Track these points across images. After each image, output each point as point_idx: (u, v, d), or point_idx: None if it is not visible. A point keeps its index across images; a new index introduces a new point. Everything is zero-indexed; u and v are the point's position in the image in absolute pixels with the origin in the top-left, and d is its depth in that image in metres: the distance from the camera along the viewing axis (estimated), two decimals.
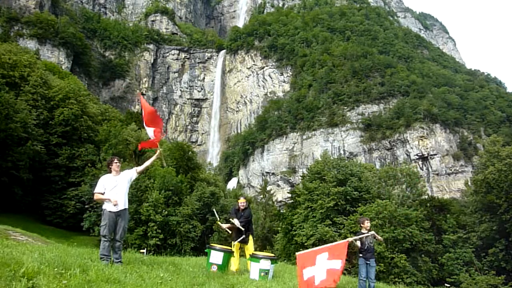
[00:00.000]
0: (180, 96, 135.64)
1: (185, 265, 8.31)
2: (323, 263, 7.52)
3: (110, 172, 7.14)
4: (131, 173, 7.34)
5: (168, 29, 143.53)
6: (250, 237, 9.17)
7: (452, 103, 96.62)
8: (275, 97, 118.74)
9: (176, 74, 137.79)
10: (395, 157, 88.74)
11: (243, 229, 8.87)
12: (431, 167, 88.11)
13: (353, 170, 31.46)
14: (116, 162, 7.17)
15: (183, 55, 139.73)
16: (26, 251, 6.40)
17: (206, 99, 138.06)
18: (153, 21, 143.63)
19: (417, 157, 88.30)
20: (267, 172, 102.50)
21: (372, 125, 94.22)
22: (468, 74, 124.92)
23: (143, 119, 8.10)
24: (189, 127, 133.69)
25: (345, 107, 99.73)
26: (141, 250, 17.59)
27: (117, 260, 6.75)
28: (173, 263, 8.14)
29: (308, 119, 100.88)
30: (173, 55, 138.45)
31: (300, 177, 56.42)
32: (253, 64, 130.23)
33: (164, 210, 33.18)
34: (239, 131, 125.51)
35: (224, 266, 8.35)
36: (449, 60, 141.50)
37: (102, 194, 6.88)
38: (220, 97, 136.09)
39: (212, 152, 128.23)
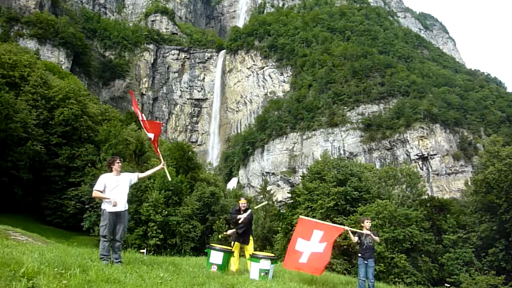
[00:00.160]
0: (180, 96, 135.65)
1: (185, 265, 8.31)
2: (314, 243, 7.84)
3: (111, 171, 7.12)
4: (133, 177, 7.32)
5: (168, 29, 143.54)
6: (251, 238, 9.18)
7: (452, 103, 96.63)
8: (275, 97, 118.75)
9: (176, 74, 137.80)
10: (395, 157, 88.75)
11: (242, 224, 8.93)
12: (431, 167, 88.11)
13: (353, 170, 31.45)
14: (118, 162, 7.16)
15: (183, 55, 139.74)
16: (26, 251, 6.40)
17: (206, 99, 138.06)
18: (153, 21, 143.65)
19: (417, 157, 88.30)
20: (267, 172, 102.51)
21: (372, 125, 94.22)
22: (468, 74, 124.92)
23: (139, 120, 8.36)
24: (189, 127, 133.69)
25: (345, 107, 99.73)
26: (141, 250, 17.60)
27: (117, 260, 6.75)
28: (173, 263, 8.14)
29: (308, 119, 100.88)
30: (173, 55, 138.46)
31: (300, 177, 56.43)
32: (253, 64, 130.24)
33: (164, 210, 33.17)
34: (239, 131, 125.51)
35: (224, 266, 8.35)
36: (449, 60, 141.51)
37: (101, 192, 6.86)
38: (220, 97, 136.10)
39: (212, 152, 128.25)
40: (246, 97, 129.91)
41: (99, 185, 6.86)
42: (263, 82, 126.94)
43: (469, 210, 36.75)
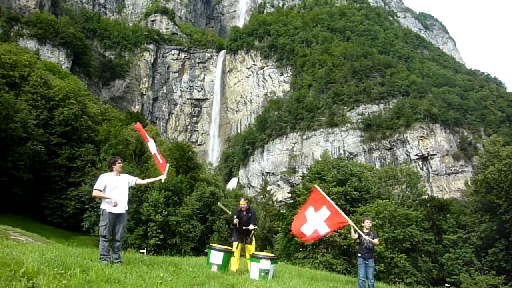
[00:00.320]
0: (180, 96, 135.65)
1: (185, 265, 8.31)
2: (319, 219, 8.12)
3: (112, 171, 7.11)
4: (131, 180, 7.29)
5: (168, 29, 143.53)
6: (253, 237, 9.22)
7: (452, 103, 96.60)
8: (275, 97, 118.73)
9: (176, 74, 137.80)
10: (395, 157, 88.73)
11: (254, 227, 8.96)
12: (431, 167, 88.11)
13: (353, 170, 31.48)
14: (119, 163, 7.15)
15: (183, 55, 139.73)
16: (26, 251, 6.40)
17: (206, 99, 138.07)
18: (153, 21, 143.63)
19: (417, 157, 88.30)
20: (267, 172, 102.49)
21: (372, 125, 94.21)
22: (468, 74, 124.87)
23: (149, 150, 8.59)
24: (189, 127, 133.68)
25: (345, 107, 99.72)
26: (141, 250, 17.61)
27: (117, 260, 6.74)
28: (173, 263, 8.14)
29: (308, 119, 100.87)
30: (173, 55, 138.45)
31: (300, 177, 56.44)
32: (253, 64, 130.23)
33: (164, 210, 33.18)
34: (239, 131, 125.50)
35: (224, 266, 8.36)
36: (449, 60, 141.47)
37: (102, 191, 6.84)
38: (220, 97, 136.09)
39: (212, 152, 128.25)
40: (246, 97, 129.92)
41: (99, 184, 6.83)
42: (263, 82, 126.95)
43: (469, 210, 36.75)
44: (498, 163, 32.11)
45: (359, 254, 8.73)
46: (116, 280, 5.08)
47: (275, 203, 71.76)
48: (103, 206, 6.86)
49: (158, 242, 31.67)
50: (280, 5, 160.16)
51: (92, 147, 43.31)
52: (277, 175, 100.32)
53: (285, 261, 26.64)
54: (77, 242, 21.71)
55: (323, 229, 8.42)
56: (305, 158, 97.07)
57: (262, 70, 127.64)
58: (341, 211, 8.37)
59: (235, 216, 9.01)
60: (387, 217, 27.76)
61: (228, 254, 8.59)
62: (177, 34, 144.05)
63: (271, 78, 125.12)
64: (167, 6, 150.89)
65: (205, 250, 8.92)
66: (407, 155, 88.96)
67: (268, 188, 67.17)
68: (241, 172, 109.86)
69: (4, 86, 38.66)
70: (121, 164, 7.20)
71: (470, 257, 31.11)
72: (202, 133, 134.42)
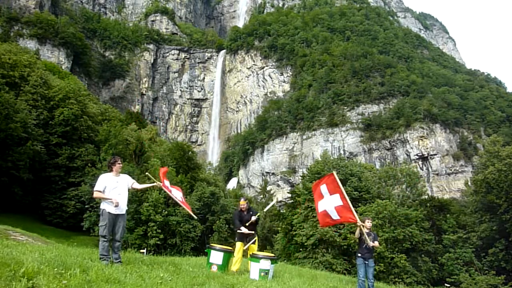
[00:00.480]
0: (180, 96, 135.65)
1: (185, 265, 8.31)
2: (330, 203, 8.49)
3: (111, 171, 7.10)
4: (130, 182, 7.22)
5: (168, 29, 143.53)
6: (256, 237, 9.24)
7: (452, 103, 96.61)
8: (275, 97, 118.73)
9: (176, 74, 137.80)
10: (395, 157, 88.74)
11: (253, 232, 8.93)
12: (431, 167, 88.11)
13: (353, 170, 31.48)
14: (119, 163, 7.13)
15: (183, 55, 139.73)
16: (26, 251, 6.40)
17: (206, 99, 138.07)
18: (153, 21, 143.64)
19: (417, 157, 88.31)
20: (267, 172, 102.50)
21: (372, 125, 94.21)
22: (468, 74, 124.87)
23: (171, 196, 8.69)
24: (189, 127, 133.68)
25: (345, 107, 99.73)
26: (141, 250, 17.61)
27: (117, 260, 6.74)
28: (173, 263, 8.14)
29: (308, 119, 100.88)
30: (173, 55, 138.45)
31: (300, 177, 56.44)
32: (253, 64, 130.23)
33: (164, 210, 33.18)
34: (239, 131, 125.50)
35: (224, 266, 8.36)
36: (449, 60, 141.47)
37: (102, 192, 6.83)
38: (220, 97, 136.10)
39: (212, 152, 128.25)
40: (246, 97, 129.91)
41: (99, 185, 6.83)
42: (263, 82, 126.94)
43: (469, 210, 36.75)
44: (498, 163, 32.11)
45: (359, 254, 8.73)
46: (116, 280, 5.08)
47: (275, 203, 71.77)
48: (102, 206, 6.85)
49: (158, 242, 31.66)
50: (280, 5, 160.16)
51: (92, 147, 43.30)
52: (277, 175, 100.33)
53: (285, 261, 26.65)
54: (77, 242, 21.71)
55: (334, 215, 8.49)
56: (305, 158, 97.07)
57: (262, 70, 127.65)
58: (352, 208, 8.41)
59: (241, 228, 8.91)
60: (387, 217, 27.77)
61: (228, 254, 8.59)
62: (177, 34, 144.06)
63: (271, 78, 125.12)
64: (167, 6, 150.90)
65: (205, 250, 8.93)
66: (407, 155, 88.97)
67: (268, 188, 67.23)
68: (241, 172, 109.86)
69: (4, 86, 38.66)
70: (121, 165, 7.20)
71: (470, 257, 31.11)
72: (202, 133, 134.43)
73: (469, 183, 42.28)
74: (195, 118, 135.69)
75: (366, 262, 8.65)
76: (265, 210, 10.20)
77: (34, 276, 4.38)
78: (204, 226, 36.77)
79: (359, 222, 8.38)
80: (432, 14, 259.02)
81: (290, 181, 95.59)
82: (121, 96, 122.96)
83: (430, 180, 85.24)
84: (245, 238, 8.96)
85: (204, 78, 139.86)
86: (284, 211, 39.38)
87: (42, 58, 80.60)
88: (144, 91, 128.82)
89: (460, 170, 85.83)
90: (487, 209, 33.20)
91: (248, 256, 8.86)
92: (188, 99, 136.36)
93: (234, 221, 9.14)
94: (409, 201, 34.58)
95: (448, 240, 32.25)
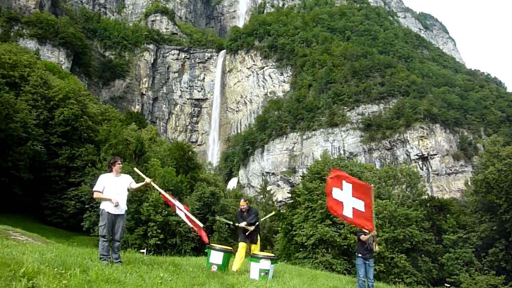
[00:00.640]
0: (180, 96, 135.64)
1: (185, 265, 8.31)
2: (349, 196, 8.12)
3: (111, 171, 7.10)
4: (129, 182, 7.17)
5: (168, 29, 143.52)
6: (258, 237, 9.26)
7: (452, 103, 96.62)
8: (275, 97, 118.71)
9: (176, 74, 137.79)
10: (395, 157, 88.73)
11: (252, 228, 8.95)
12: (431, 167, 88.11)
13: (353, 170, 31.45)
14: (119, 163, 7.12)
15: (183, 55, 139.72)
16: (26, 251, 6.40)
17: (206, 99, 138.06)
18: (153, 21, 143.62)
19: (417, 157, 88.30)
20: (267, 172, 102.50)
21: (372, 125, 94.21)
22: (468, 74, 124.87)
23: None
24: (189, 127, 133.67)
25: (345, 107, 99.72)
26: (141, 250, 17.61)
27: (117, 260, 6.74)
28: (173, 263, 8.14)
29: (308, 119, 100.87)
30: (173, 55, 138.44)
31: (300, 177, 56.41)
32: (253, 64, 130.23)
33: (164, 210, 33.18)
34: (239, 131, 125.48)
35: (224, 266, 8.36)
36: (449, 60, 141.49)
37: (101, 192, 6.83)
38: (220, 97, 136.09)
39: (212, 152, 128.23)
40: (246, 97, 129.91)
41: (98, 185, 6.84)
42: (263, 82, 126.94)
43: (469, 210, 36.77)
44: (498, 163, 32.13)
45: (360, 255, 8.75)
46: (116, 280, 5.07)
47: (275, 203, 71.83)
48: (102, 206, 6.85)
49: (158, 242, 31.67)
50: (280, 5, 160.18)
51: (92, 147, 43.30)
52: (277, 175, 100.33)
53: (285, 261, 26.64)
54: (77, 242, 21.70)
55: (349, 213, 8.12)
56: (305, 158, 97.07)
57: (262, 70, 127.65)
58: (374, 219, 8.27)
59: (242, 224, 8.97)
60: (387, 217, 27.77)
61: (228, 254, 8.60)
62: (177, 34, 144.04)
63: (271, 78, 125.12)
64: (167, 6, 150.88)
65: (205, 250, 8.93)
66: (407, 155, 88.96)
67: (268, 188, 67.25)
68: (241, 172, 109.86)
69: (4, 86, 38.66)
70: (121, 165, 7.19)
71: (470, 257, 31.12)
72: (202, 133, 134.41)
73: (469, 183, 42.29)
74: (195, 118, 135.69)
75: (367, 262, 8.67)
76: (262, 219, 10.13)
77: (34, 276, 4.38)
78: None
79: (375, 233, 8.40)
80: (432, 14, 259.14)
81: (290, 181, 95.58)
82: (121, 96, 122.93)
83: (430, 180, 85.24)
84: (247, 238, 8.99)
85: (204, 78, 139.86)
86: (284, 211, 39.39)
87: (42, 58, 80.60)
88: (144, 91, 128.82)
89: (460, 170, 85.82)
90: (487, 209, 33.22)
91: (248, 255, 8.88)
92: (188, 99, 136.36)
93: (237, 221, 9.26)
94: (409, 201, 34.57)
95: (448, 240, 32.27)
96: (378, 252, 9.63)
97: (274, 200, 69.01)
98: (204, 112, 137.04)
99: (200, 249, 30.87)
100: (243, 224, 8.95)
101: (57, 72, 67.03)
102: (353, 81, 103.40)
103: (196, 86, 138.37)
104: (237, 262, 8.83)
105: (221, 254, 8.40)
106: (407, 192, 36.93)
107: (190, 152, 47.29)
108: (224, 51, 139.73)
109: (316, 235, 26.38)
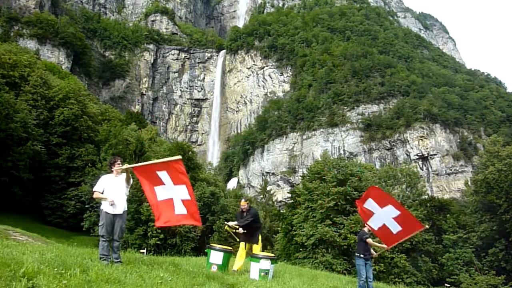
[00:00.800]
0: (180, 96, 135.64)
1: (185, 265, 8.30)
2: (386, 215, 8.19)
3: (112, 172, 7.12)
4: (128, 179, 7.14)
5: (168, 29, 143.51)
6: (259, 236, 9.28)
7: (452, 103, 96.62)
8: (275, 97, 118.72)
9: (176, 74, 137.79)
10: (395, 157, 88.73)
11: (240, 230, 8.97)
12: (431, 167, 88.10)
13: (353, 170, 31.41)
14: (119, 164, 7.13)
15: (183, 55, 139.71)
16: (26, 251, 6.40)
17: (206, 99, 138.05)
18: (153, 21, 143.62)
19: (417, 157, 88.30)
20: (267, 172, 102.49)
21: (372, 125, 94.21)
22: (468, 74, 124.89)
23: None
24: (189, 127, 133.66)
25: (345, 107, 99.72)
26: (141, 250, 17.61)
27: (117, 260, 6.74)
28: (173, 263, 8.13)
29: (308, 119, 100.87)
30: (173, 55, 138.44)
31: (300, 177, 56.44)
32: (253, 64, 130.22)
33: None
34: (239, 131, 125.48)
35: (224, 266, 8.36)
36: (449, 60, 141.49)
37: (101, 193, 6.85)
38: (220, 97, 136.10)
39: (212, 152, 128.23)
40: (246, 97, 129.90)
41: (97, 186, 6.90)
42: (263, 82, 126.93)
43: (469, 210, 36.78)
44: (498, 163, 32.14)
45: (362, 255, 8.82)
46: (116, 280, 5.07)
47: (275, 203, 71.80)
48: (102, 206, 6.89)
49: (158, 242, 31.65)
50: (280, 5, 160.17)
51: (92, 147, 43.30)
52: (277, 175, 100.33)
53: (285, 261, 26.64)
54: (77, 242, 21.70)
55: (395, 228, 8.14)
56: (305, 158, 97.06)
57: (262, 70, 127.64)
58: (413, 215, 8.39)
59: (231, 223, 9.11)
60: None
61: (228, 254, 8.60)
62: (177, 34, 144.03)
63: (271, 78, 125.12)
64: (167, 6, 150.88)
65: (205, 250, 8.93)
66: (407, 155, 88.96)
67: (268, 188, 67.22)
68: (241, 172, 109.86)
69: (4, 86, 38.65)
70: (121, 165, 7.19)
71: (470, 257, 31.13)
72: (202, 133, 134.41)
73: (469, 183, 42.31)
74: (195, 118, 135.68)
75: (367, 262, 8.77)
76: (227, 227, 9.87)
77: (34, 276, 4.38)
78: (204, 226, 36.76)
79: (426, 226, 8.80)
80: (432, 14, 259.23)
81: (290, 181, 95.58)
82: (121, 96, 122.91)
83: (430, 180, 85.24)
84: (249, 238, 9.02)
85: (204, 78, 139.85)
86: (284, 211, 39.39)
87: (42, 58, 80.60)
88: (144, 91, 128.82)
89: (460, 170, 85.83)
90: (487, 209, 33.23)
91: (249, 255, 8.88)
92: (188, 99, 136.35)
93: (238, 221, 9.29)
94: (409, 201, 34.57)
95: (448, 240, 32.27)
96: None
97: (274, 200, 68.99)
98: (204, 112, 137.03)
99: (200, 249, 30.88)
100: (231, 223, 9.05)
101: (57, 72, 67.05)
102: (353, 81, 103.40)
103: (196, 86, 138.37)
104: (237, 262, 8.84)
105: (221, 254, 8.40)
106: (407, 192, 36.94)
107: (190, 152, 47.22)
108: (224, 51, 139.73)
109: (316, 235, 26.36)
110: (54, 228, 36.26)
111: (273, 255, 8.88)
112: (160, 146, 50.76)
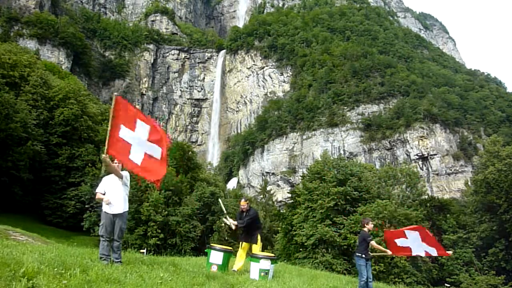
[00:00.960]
0: (180, 96, 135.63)
1: (185, 265, 8.31)
2: (417, 241, 9.11)
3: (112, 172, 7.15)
4: (126, 175, 7.17)
5: (168, 29, 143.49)
6: (258, 236, 9.27)
7: (452, 103, 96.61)
8: (275, 97, 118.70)
9: (176, 74, 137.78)
10: (395, 157, 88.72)
11: (234, 226, 9.07)
12: (431, 167, 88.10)
13: (353, 170, 31.43)
14: (117, 163, 7.15)
15: (183, 55, 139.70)
16: (26, 251, 6.40)
17: (206, 99, 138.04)
18: (153, 21, 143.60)
19: (417, 157, 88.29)
20: (267, 172, 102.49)
21: (372, 125, 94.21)
22: (468, 74, 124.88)
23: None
24: (189, 127, 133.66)
25: (345, 107, 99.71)
26: (141, 250, 17.60)
27: (117, 260, 6.75)
28: (173, 263, 8.14)
29: (308, 119, 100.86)
30: (173, 55, 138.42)
31: (300, 177, 56.45)
32: (253, 64, 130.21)
33: (164, 210, 33.15)
34: (239, 131, 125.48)
35: (224, 266, 8.36)
36: (449, 60, 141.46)
37: (103, 194, 6.92)
38: (220, 97, 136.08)
39: (212, 152, 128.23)
40: (246, 97, 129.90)
41: (99, 187, 7.03)
42: (263, 82, 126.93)
43: (469, 210, 36.78)
44: (498, 163, 32.15)
45: (363, 256, 8.86)
46: (116, 280, 5.08)
47: (275, 203, 71.77)
48: (102, 206, 6.94)
49: (158, 242, 31.63)
50: (280, 5, 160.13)
51: (92, 147, 43.27)
52: (277, 175, 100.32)
53: (285, 261, 26.64)
54: (77, 242, 21.70)
55: (421, 252, 9.37)
56: (305, 158, 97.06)
57: (262, 70, 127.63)
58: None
59: (234, 223, 9.15)
60: (387, 217, 27.76)
61: (228, 254, 8.60)
62: (177, 34, 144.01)
63: (271, 78, 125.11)
64: (167, 6, 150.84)
65: (205, 250, 8.94)
66: (407, 155, 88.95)
67: (268, 188, 67.21)
68: (241, 172, 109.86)
69: (4, 86, 38.64)
70: (121, 165, 7.20)
71: (470, 257, 31.14)
72: (202, 133, 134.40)
73: (469, 183, 42.33)
74: (195, 118, 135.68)
75: (368, 262, 8.84)
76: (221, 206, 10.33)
77: (34, 276, 4.38)
78: (204, 226, 36.74)
79: (450, 253, 9.86)
80: (432, 14, 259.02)
81: (290, 181, 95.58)
82: (121, 96, 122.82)
83: (430, 180, 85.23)
84: (249, 238, 9.03)
85: (204, 78, 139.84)
86: (284, 211, 39.38)
87: (42, 58, 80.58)
88: (144, 91, 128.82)
89: (460, 170, 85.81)
90: (487, 209, 33.24)
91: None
92: (188, 99, 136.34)
93: (237, 221, 9.31)
94: (409, 201, 34.59)
95: (448, 240, 32.27)
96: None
97: (274, 200, 68.98)
98: (204, 112, 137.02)
99: (200, 249, 30.86)
100: (231, 221, 9.07)
101: (57, 72, 67.05)
102: (353, 81, 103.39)
103: (196, 86, 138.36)
104: (237, 262, 8.84)
105: (221, 254, 8.40)
106: (407, 192, 36.96)
107: (190, 152, 47.16)
108: (224, 51, 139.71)
109: (316, 235, 26.37)
110: (54, 228, 36.25)
111: (273, 255, 8.88)
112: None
